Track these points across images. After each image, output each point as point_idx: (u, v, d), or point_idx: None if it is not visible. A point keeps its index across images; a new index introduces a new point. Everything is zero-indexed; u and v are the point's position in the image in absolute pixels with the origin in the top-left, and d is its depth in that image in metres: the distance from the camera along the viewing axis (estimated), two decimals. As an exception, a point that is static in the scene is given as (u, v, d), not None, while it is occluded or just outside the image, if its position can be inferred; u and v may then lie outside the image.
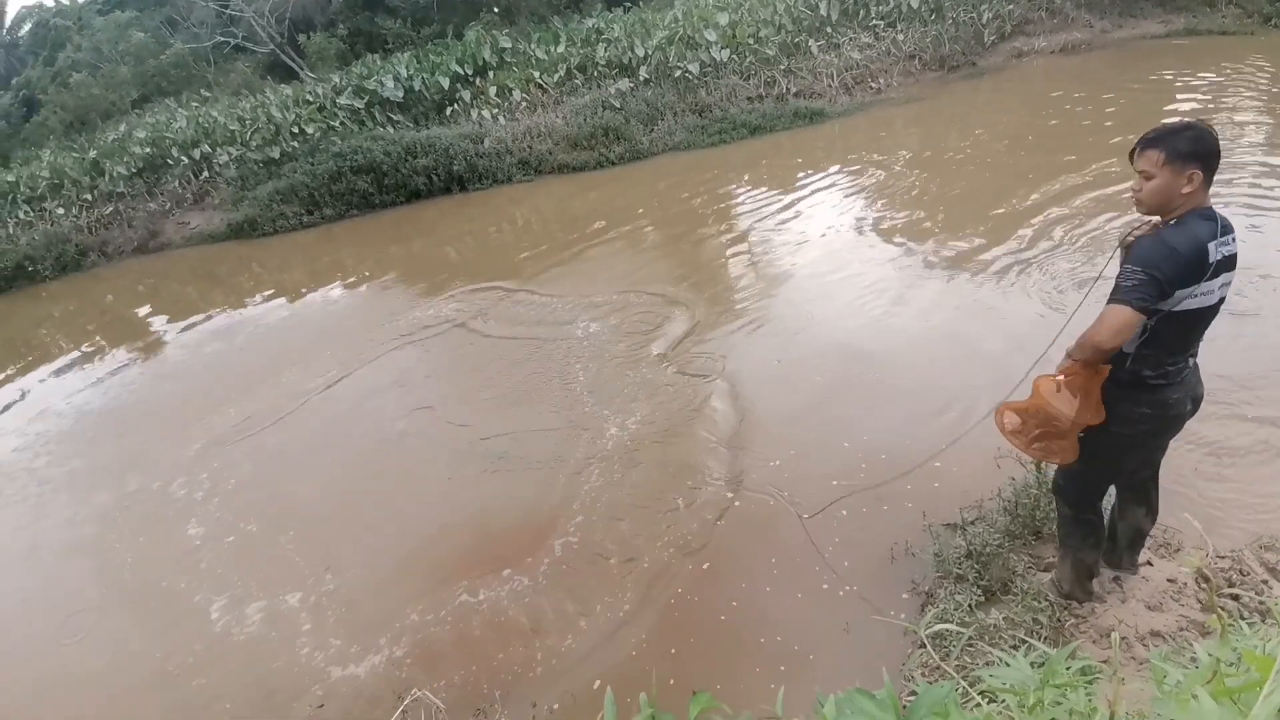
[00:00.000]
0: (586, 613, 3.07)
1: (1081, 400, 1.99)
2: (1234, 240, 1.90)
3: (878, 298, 5.20)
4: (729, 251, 6.69)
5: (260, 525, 4.08)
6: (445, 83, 12.35)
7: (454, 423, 4.65)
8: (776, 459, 3.75)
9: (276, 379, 5.77)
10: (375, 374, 5.56)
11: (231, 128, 12.27)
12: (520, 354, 5.35)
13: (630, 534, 3.46)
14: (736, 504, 3.51)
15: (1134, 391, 2.06)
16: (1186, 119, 1.97)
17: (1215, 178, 1.91)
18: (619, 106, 11.21)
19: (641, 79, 11.73)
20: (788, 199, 7.68)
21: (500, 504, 3.84)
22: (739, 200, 8.07)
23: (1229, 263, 1.89)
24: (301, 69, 18.89)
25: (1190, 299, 1.88)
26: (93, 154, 12.53)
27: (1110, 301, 1.87)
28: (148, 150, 12.12)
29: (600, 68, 12.20)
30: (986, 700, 1.26)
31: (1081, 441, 2.19)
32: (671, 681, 2.69)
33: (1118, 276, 1.89)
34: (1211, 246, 1.84)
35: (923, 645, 2.41)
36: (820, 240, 6.48)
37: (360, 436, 4.78)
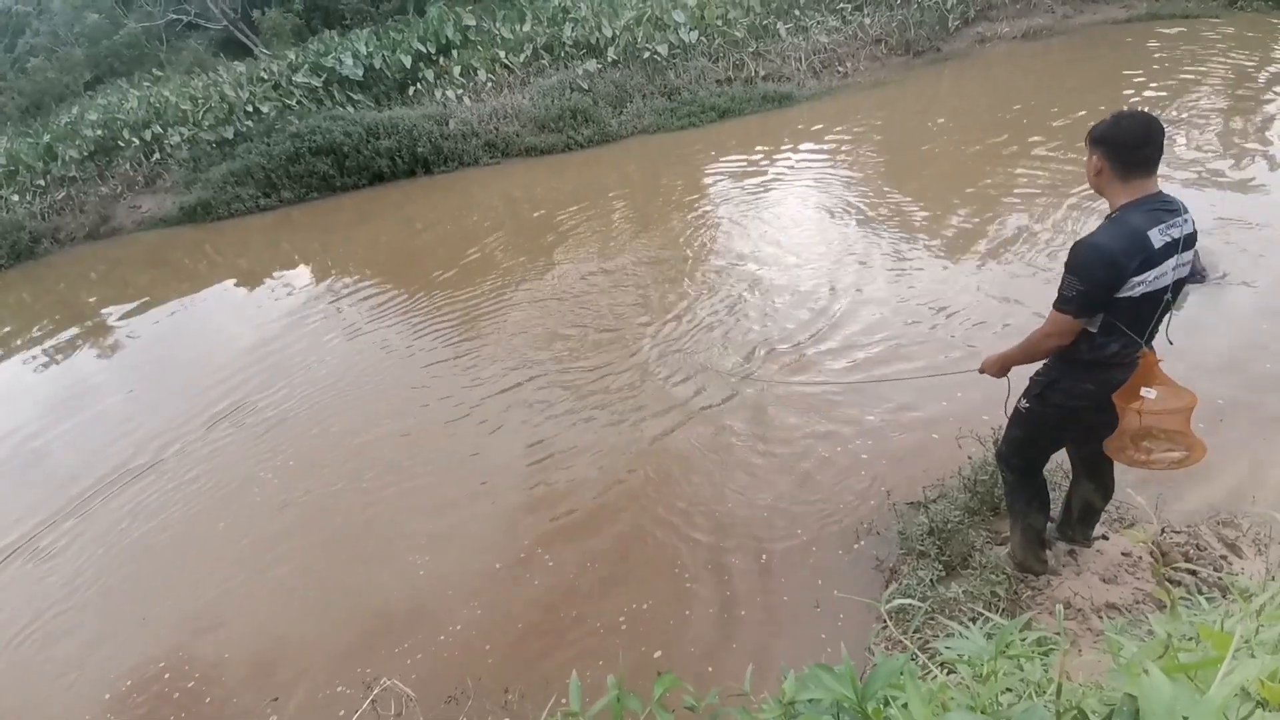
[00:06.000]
0: (557, 594, 3.08)
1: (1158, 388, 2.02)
2: (1186, 221, 1.94)
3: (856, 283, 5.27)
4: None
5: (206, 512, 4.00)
6: (407, 61, 12.03)
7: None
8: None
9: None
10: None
11: (183, 107, 11.82)
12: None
13: (597, 524, 3.46)
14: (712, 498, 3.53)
15: (1087, 369, 2.11)
16: (1126, 108, 2.02)
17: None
18: (587, 88, 11.05)
19: (609, 60, 11.58)
20: (757, 184, 7.69)
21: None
22: (708, 186, 8.05)
23: (1179, 245, 1.92)
24: (256, 46, 18.25)
25: (1141, 285, 1.92)
26: (46, 138, 12.04)
27: (1054, 307, 2.02)
28: (99, 132, 11.66)
29: (567, 48, 12.00)
30: (945, 671, 1.28)
31: (1025, 412, 2.31)
32: (641, 651, 2.70)
33: (1060, 283, 1.99)
34: (1154, 233, 1.88)
35: (884, 622, 2.46)
36: (793, 224, 6.51)
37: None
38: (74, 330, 7.44)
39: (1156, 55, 9.55)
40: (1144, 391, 1.99)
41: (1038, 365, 2.29)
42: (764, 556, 3.09)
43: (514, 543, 3.40)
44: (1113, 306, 1.97)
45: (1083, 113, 7.71)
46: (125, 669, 3.15)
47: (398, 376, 5.11)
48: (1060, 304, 2.00)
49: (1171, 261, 1.93)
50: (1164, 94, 7.97)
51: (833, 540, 3.09)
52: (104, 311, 7.83)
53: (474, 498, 3.74)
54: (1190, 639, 1.01)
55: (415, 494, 3.86)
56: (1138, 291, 1.93)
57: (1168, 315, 2.03)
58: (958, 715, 0.65)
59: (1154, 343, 2.11)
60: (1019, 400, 2.35)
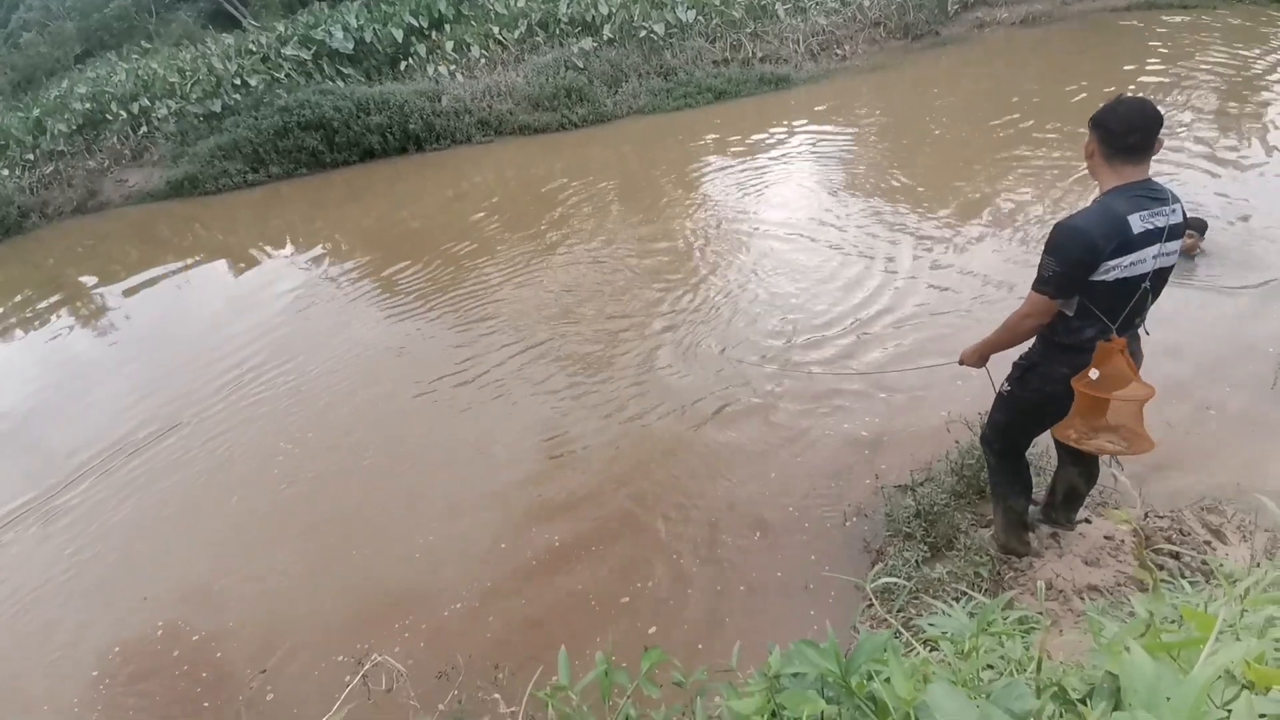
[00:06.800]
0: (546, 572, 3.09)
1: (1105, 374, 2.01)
2: (1174, 212, 1.93)
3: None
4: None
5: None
6: (399, 35, 11.81)
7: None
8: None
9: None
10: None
11: (171, 80, 11.60)
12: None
13: (597, 499, 3.48)
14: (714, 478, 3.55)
15: (1064, 353, 2.12)
16: (1127, 94, 2.01)
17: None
18: (582, 67, 10.90)
19: (605, 38, 11.41)
20: (755, 166, 7.64)
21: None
22: (705, 168, 7.99)
23: (1163, 233, 1.91)
24: (244, 18, 17.89)
25: (1116, 269, 1.92)
26: (36, 113, 11.85)
27: (1032, 288, 2.04)
28: (87, 106, 11.44)
29: (563, 25, 11.82)
30: (928, 648, 1.30)
31: (1006, 395, 2.33)
32: (637, 626, 2.72)
33: (1039, 263, 2.00)
34: (1134, 219, 1.88)
35: (870, 601, 2.49)
36: (787, 209, 6.48)
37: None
38: (65, 305, 7.35)
39: (1157, 43, 9.50)
40: (1090, 372, 2.01)
41: (1019, 351, 2.30)
42: (758, 534, 3.12)
43: (519, 522, 3.40)
44: (1088, 290, 1.97)
45: (1075, 95, 7.68)
46: (119, 640, 3.16)
47: (400, 351, 5.09)
48: (1038, 284, 2.02)
49: (1152, 250, 1.92)
50: (1163, 81, 7.95)
51: (824, 522, 3.12)
52: (93, 286, 7.74)
53: (481, 477, 3.74)
54: (1173, 621, 1.02)
55: (424, 469, 3.88)
56: (1112, 276, 1.93)
57: (1147, 304, 2.03)
58: (939, 687, 0.66)
59: (1140, 332, 2.12)
60: (1001, 384, 2.38)
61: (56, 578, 3.59)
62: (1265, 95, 7.18)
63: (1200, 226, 4.40)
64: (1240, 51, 8.68)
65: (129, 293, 7.32)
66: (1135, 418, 2.03)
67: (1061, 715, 0.78)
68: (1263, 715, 0.62)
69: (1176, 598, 1.29)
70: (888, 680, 0.79)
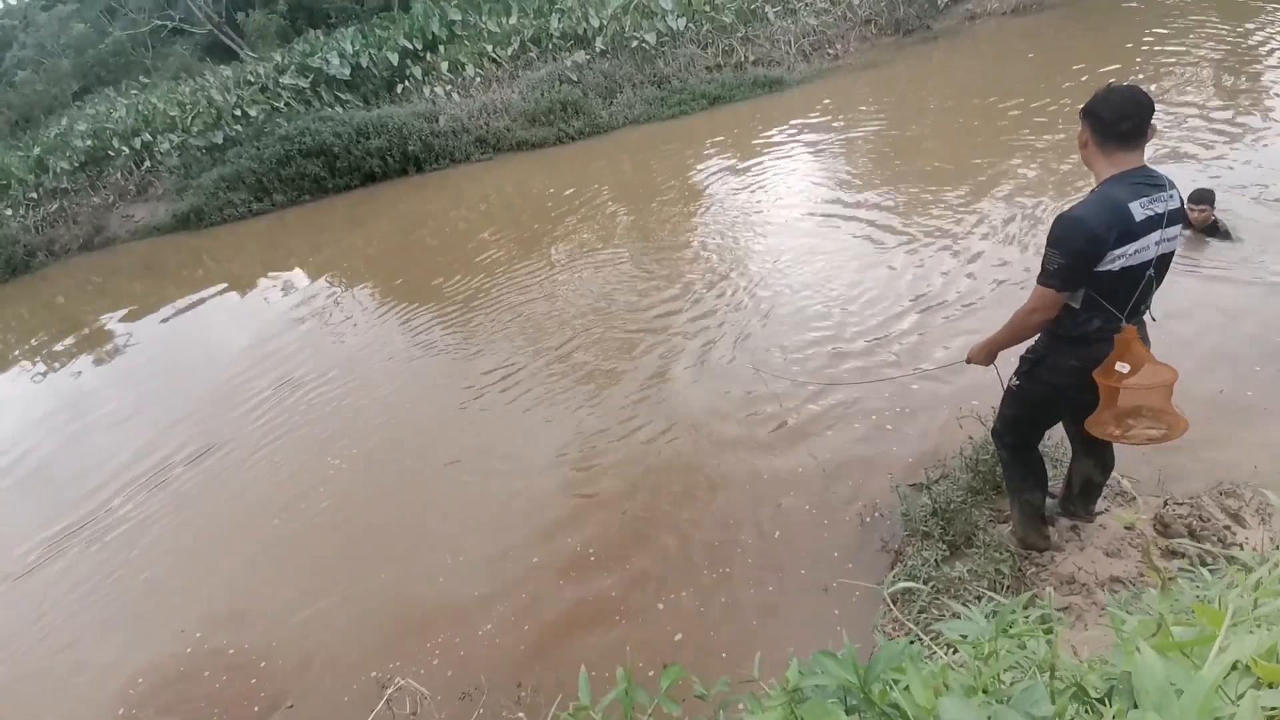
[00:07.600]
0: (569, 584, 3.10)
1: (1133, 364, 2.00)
2: (1172, 197, 1.94)
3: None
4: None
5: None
6: (394, 59, 11.96)
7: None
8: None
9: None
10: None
11: (171, 114, 11.78)
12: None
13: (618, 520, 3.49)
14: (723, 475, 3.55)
15: (1071, 345, 2.11)
16: (1114, 81, 2.02)
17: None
18: (576, 80, 10.99)
19: (598, 50, 11.51)
20: (755, 168, 7.66)
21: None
22: (706, 173, 8.02)
23: (1164, 219, 1.91)
24: (241, 49, 18.15)
25: (1121, 258, 1.92)
26: (37, 151, 12.04)
27: (1037, 281, 2.03)
28: (89, 143, 11.65)
29: (555, 39, 11.93)
30: (950, 651, 1.30)
31: (1015, 389, 2.32)
32: (665, 630, 2.72)
33: (1043, 257, 2.00)
34: (1135, 206, 1.88)
35: (888, 604, 2.48)
36: (790, 216, 6.49)
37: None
38: (81, 341, 7.46)
39: (1154, 24, 9.47)
40: (1117, 366, 1.99)
41: (1026, 345, 2.29)
42: (778, 533, 3.12)
43: (548, 536, 3.41)
44: (1093, 280, 1.97)
45: (1071, 81, 7.67)
46: (149, 666, 3.19)
47: (422, 367, 5.16)
48: (1044, 278, 2.00)
49: (1154, 236, 1.92)
50: (1154, 67, 7.91)
51: (842, 522, 3.11)
52: (109, 320, 7.84)
53: (510, 492, 3.75)
54: (1192, 611, 1.02)
55: (453, 484, 3.90)
56: (1118, 265, 1.92)
57: (1152, 291, 2.03)
58: (951, 701, 0.66)
59: (1146, 318, 2.11)
60: (1010, 378, 2.37)
61: (88, 604, 3.64)
62: (1273, 68, 7.10)
63: (1208, 198, 4.29)
64: (1243, 26, 8.60)
65: (148, 324, 7.43)
66: (1165, 399, 2.02)
67: (1086, 713, 0.78)
68: (1273, 708, 0.63)
69: (1196, 588, 1.28)
70: (907, 689, 0.79)
